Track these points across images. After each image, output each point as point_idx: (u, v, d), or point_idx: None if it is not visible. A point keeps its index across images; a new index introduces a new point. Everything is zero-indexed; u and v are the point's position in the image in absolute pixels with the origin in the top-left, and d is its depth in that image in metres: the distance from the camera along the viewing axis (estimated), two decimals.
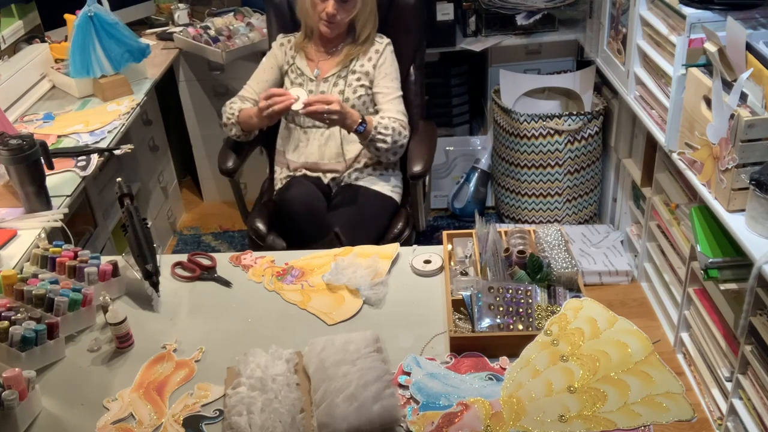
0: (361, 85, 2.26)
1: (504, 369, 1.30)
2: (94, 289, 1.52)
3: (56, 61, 2.78)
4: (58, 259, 1.57)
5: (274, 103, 2.04)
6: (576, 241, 2.93)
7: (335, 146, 2.29)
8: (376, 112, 2.26)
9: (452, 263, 1.59)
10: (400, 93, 2.28)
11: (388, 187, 2.30)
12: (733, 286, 1.89)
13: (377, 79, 2.26)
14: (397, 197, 2.33)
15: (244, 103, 2.30)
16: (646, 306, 2.67)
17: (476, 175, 3.23)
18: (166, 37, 3.19)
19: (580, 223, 3.08)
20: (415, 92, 2.48)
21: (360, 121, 2.11)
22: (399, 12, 2.40)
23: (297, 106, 2.03)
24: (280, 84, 2.36)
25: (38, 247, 1.64)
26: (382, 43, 2.29)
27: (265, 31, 2.91)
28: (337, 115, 2.04)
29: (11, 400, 1.23)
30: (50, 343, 1.40)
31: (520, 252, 1.49)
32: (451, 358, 1.34)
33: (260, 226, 2.28)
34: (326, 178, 2.30)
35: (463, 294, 1.42)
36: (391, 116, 2.20)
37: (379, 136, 2.14)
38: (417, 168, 2.22)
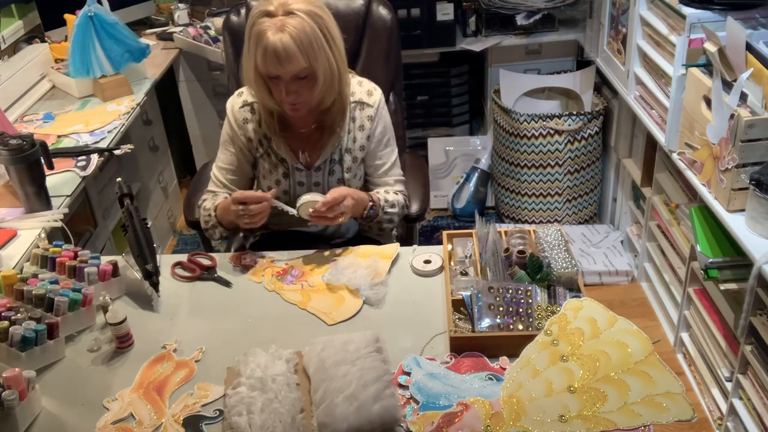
0: (360, 165, 1.82)
1: (504, 369, 1.30)
2: (94, 289, 1.52)
3: (56, 61, 2.78)
4: (58, 259, 1.57)
5: (250, 209, 1.61)
6: (576, 241, 2.93)
7: (340, 226, 1.87)
8: (367, 183, 1.86)
9: (452, 263, 1.59)
10: (396, 152, 1.85)
11: (391, 239, 1.97)
12: (733, 286, 1.89)
13: (372, 150, 1.79)
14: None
15: (216, 197, 1.79)
16: (646, 306, 2.67)
17: (476, 175, 3.24)
18: (166, 37, 3.20)
19: (580, 223, 3.08)
20: (397, 122, 2.05)
21: (371, 203, 1.73)
22: (374, 34, 2.07)
23: (298, 211, 1.65)
24: (254, 167, 1.83)
25: (38, 247, 1.63)
26: (374, 105, 1.76)
27: None
28: (351, 210, 1.66)
29: (11, 400, 1.23)
30: (50, 343, 1.40)
31: (520, 252, 1.49)
32: (451, 358, 1.34)
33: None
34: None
35: (463, 294, 1.42)
36: (392, 189, 1.82)
37: (386, 216, 1.77)
38: (414, 209, 1.94)
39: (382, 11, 2.08)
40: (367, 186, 1.87)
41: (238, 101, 1.77)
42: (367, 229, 1.88)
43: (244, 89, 1.78)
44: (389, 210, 1.77)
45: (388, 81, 2.08)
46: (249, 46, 1.58)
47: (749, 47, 1.75)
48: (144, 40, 2.81)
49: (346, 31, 1.67)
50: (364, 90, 1.77)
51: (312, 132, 1.75)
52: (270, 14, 1.53)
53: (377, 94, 1.78)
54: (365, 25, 2.08)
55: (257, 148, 1.77)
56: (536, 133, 2.86)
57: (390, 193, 1.80)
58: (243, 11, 2.10)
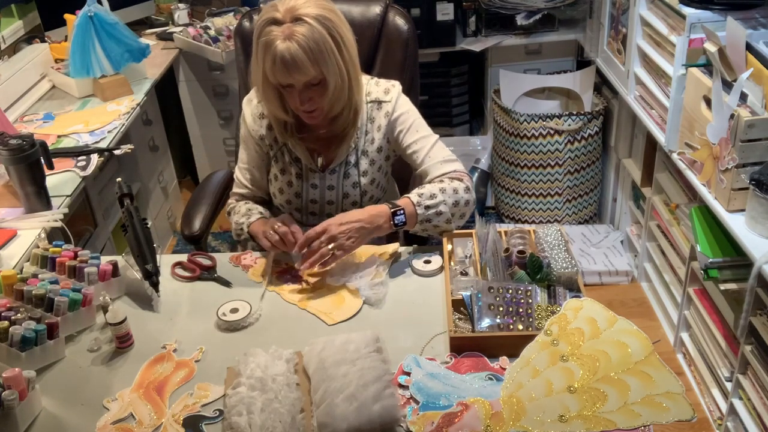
0: (379, 168, 1.73)
1: (504, 369, 1.30)
2: (94, 289, 1.52)
3: (56, 61, 2.78)
4: (58, 259, 1.57)
5: (281, 241, 1.58)
6: (576, 241, 2.93)
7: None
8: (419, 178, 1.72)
9: (452, 263, 1.59)
10: (435, 137, 1.72)
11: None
12: (733, 286, 1.89)
13: (400, 143, 1.70)
14: None
15: (250, 212, 1.72)
16: (646, 306, 2.67)
17: (476, 175, 3.24)
18: (166, 37, 3.20)
19: (580, 223, 3.08)
20: None
21: (392, 210, 1.57)
22: (389, 45, 1.99)
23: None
24: (269, 164, 1.79)
25: (38, 247, 1.63)
26: (390, 99, 1.68)
27: None
28: (350, 238, 1.54)
29: (11, 400, 1.23)
30: (50, 343, 1.40)
31: (520, 252, 1.49)
32: (451, 358, 1.34)
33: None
34: None
35: (463, 294, 1.42)
36: (434, 176, 1.65)
37: (432, 211, 1.58)
38: None
39: (399, 21, 1.99)
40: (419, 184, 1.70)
41: (255, 105, 1.73)
42: (423, 234, 1.66)
43: None
44: (430, 203, 1.57)
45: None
46: (257, 56, 1.53)
47: (749, 47, 1.75)
48: (144, 40, 2.81)
49: (360, 40, 1.61)
50: (381, 89, 1.70)
51: (328, 133, 1.69)
52: (277, 22, 1.49)
53: (394, 90, 1.70)
54: (380, 35, 2.00)
55: (271, 145, 1.73)
56: (536, 133, 2.86)
57: (426, 186, 1.62)
58: (256, 17, 2.05)
